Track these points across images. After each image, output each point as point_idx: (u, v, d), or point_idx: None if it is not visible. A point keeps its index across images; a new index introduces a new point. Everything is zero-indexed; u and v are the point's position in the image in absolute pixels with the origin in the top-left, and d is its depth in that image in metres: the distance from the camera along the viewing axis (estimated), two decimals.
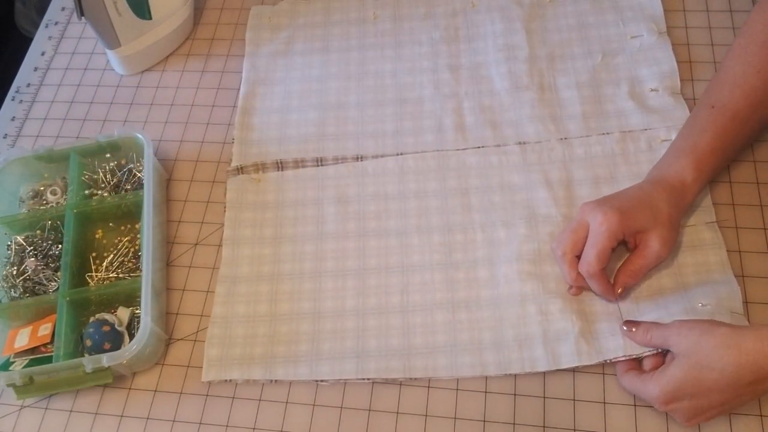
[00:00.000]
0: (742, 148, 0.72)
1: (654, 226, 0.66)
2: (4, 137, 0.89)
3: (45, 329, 0.71)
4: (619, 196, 0.68)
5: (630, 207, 0.66)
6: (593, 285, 0.67)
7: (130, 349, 0.66)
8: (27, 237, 0.78)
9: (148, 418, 0.69)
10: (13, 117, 0.91)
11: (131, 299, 0.74)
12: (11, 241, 0.78)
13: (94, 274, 0.76)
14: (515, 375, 0.67)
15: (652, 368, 0.62)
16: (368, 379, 0.68)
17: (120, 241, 0.79)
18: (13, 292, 0.75)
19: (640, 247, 0.67)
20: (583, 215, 0.67)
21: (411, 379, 0.68)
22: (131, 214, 0.79)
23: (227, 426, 0.68)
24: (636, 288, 0.69)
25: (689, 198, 0.68)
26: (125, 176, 0.80)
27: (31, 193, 0.81)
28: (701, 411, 0.59)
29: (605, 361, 0.66)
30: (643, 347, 0.64)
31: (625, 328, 0.65)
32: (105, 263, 0.77)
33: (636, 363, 0.65)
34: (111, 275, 0.76)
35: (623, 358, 0.65)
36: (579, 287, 0.69)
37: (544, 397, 0.66)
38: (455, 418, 0.66)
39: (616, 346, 0.66)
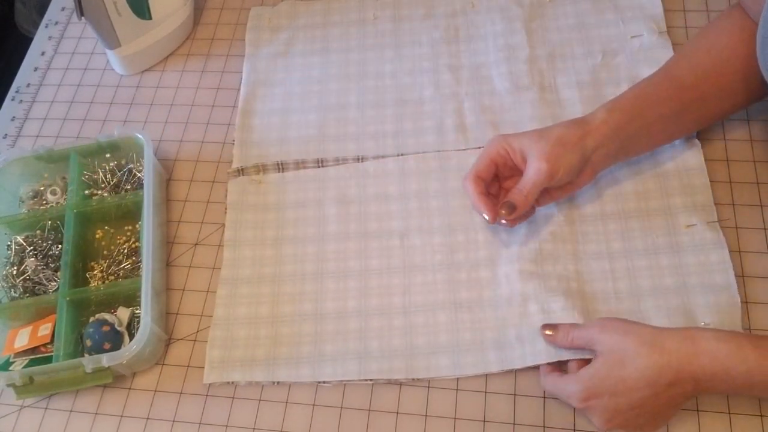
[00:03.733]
0: (675, 116, 0.70)
1: (536, 145, 0.67)
2: (4, 137, 0.89)
3: (45, 329, 0.71)
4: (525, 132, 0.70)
5: (521, 134, 0.69)
6: (470, 198, 0.69)
7: (130, 349, 0.66)
8: (27, 237, 0.78)
9: (147, 418, 0.69)
10: (13, 117, 0.91)
11: (131, 299, 0.74)
12: (11, 241, 0.78)
13: (94, 273, 0.76)
14: (515, 375, 0.67)
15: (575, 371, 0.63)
16: (371, 380, 0.68)
17: (120, 241, 0.79)
18: (13, 292, 0.75)
19: (526, 166, 0.68)
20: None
21: (413, 379, 0.68)
22: (131, 214, 0.79)
23: (227, 426, 0.68)
24: (636, 285, 0.69)
25: (592, 133, 0.67)
26: (125, 176, 0.80)
27: (31, 193, 0.81)
28: (619, 411, 0.58)
29: None
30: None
31: (546, 332, 0.65)
32: (105, 263, 0.77)
33: (558, 367, 0.65)
34: (111, 275, 0.76)
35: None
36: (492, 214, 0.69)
37: (544, 397, 0.66)
38: (455, 418, 0.66)
39: None
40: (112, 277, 0.76)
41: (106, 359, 0.66)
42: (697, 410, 0.64)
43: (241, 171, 0.81)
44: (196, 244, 0.79)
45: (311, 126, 0.84)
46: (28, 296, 0.74)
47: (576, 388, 0.59)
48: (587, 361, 0.62)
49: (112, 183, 0.80)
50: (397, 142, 0.82)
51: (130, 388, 0.71)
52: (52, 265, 0.76)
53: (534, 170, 0.66)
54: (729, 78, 0.70)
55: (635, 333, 0.57)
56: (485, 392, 0.67)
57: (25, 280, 0.75)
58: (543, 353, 0.66)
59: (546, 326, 0.65)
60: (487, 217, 0.68)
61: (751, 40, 0.66)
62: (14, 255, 0.77)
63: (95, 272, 0.77)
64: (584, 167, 0.68)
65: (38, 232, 0.78)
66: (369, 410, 0.68)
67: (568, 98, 0.82)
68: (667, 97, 0.69)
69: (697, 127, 0.74)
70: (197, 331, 0.73)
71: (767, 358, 0.54)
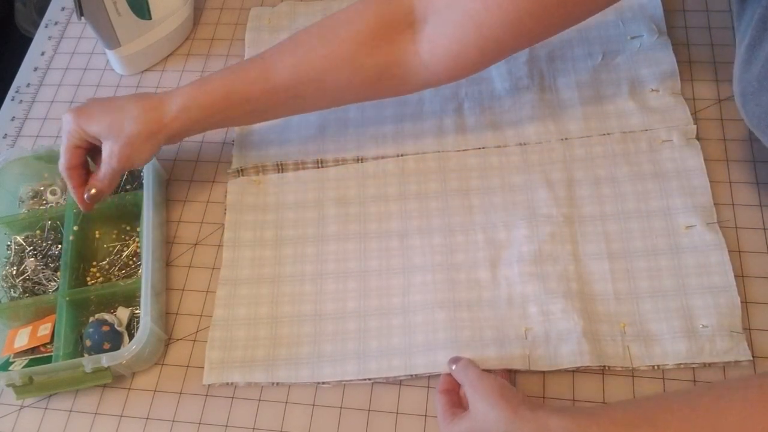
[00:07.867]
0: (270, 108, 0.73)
1: (108, 137, 0.68)
2: (4, 137, 0.89)
3: (44, 329, 0.71)
4: (103, 101, 0.70)
5: (96, 111, 0.69)
6: (67, 183, 0.71)
7: (130, 349, 0.66)
8: (27, 237, 0.78)
9: (147, 418, 0.69)
10: (13, 117, 0.91)
11: (131, 299, 0.74)
12: (11, 241, 0.78)
13: (93, 273, 0.76)
14: (515, 375, 0.67)
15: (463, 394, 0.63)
16: (369, 379, 0.68)
17: (120, 241, 0.78)
18: (12, 292, 0.75)
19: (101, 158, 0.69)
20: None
21: (412, 377, 0.68)
22: (131, 214, 0.79)
23: (227, 426, 0.68)
24: (635, 286, 0.69)
25: (166, 125, 0.69)
26: (125, 176, 0.80)
27: (30, 193, 0.81)
28: None
29: (605, 367, 0.66)
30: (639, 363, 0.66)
31: (451, 366, 0.65)
32: (105, 263, 0.77)
33: (456, 384, 0.65)
34: (111, 275, 0.76)
35: (619, 369, 0.66)
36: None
37: (544, 397, 0.66)
38: None
39: (615, 353, 0.66)
40: (112, 277, 0.76)
41: (105, 359, 0.66)
42: None
43: (240, 171, 0.81)
44: (195, 244, 0.79)
45: (311, 126, 0.84)
46: (27, 296, 0.75)
47: None
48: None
49: None
50: (397, 143, 0.82)
51: (129, 388, 0.71)
52: (52, 265, 0.76)
53: (108, 169, 0.69)
54: None
55: (499, 410, 0.58)
56: None
57: (24, 280, 0.75)
58: (544, 359, 0.66)
59: (451, 360, 0.66)
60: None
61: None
62: (14, 255, 0.77)
63: (95, 272, 0.77)
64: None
65: (38, 232, 0.78)
66: (369, 410, 0.68)
67: (568, 99, 0.82)
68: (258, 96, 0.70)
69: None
70: (197, 331, 0.73)
71: None
